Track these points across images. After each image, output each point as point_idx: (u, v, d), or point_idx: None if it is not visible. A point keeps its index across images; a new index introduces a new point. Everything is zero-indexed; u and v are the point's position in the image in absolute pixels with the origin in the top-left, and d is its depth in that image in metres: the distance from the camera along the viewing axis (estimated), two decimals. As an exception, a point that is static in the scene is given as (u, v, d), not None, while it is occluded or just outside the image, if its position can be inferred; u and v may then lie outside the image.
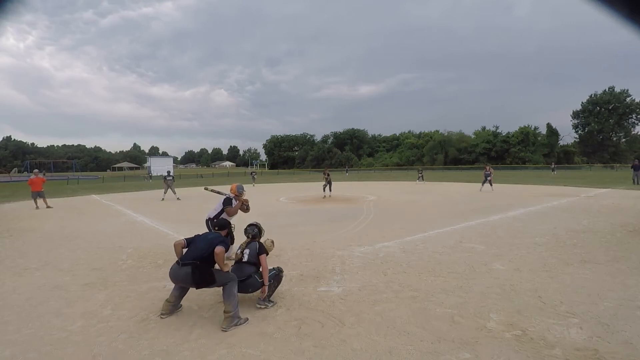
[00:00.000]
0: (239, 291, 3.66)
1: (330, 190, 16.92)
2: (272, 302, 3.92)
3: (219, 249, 3.51)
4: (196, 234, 3.97)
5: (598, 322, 3.30)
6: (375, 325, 3.36)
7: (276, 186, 25.92)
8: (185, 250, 3.73)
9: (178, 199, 16.41)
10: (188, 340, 3.16)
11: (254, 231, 4.14)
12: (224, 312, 3.41)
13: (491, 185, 18.19)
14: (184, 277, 3.54)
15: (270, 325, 3.41)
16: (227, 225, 4.20)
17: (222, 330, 3.30)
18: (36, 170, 15.04)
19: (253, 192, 18.79)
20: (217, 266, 3.59)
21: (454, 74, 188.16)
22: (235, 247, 4.91)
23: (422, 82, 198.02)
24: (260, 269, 3.88)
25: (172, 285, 3.88)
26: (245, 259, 3.92)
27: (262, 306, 3.81)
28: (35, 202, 13.75)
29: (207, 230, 5.09)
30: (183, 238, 3.83)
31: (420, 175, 26.58)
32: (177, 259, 3.67)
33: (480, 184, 18.84)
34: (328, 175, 17.20)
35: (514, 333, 3.13)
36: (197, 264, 3.49)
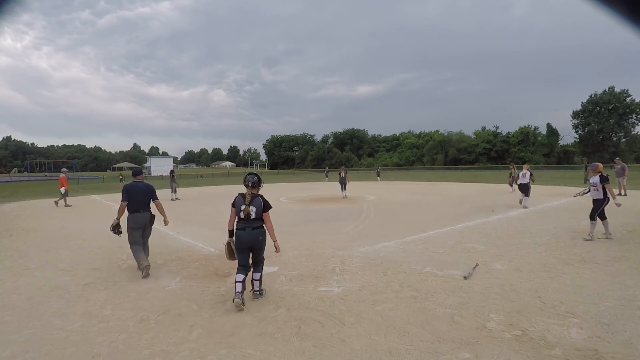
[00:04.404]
0: (255, 261, 4.05)
1: (344, 190, 16.35)
2: (264, 289, 4.19)
3: (159, 205, 5.26)
4: (125, 187, 5.11)
5: (598, 322, 3.30)
6: (375, 325, 3.36)
7: (276, 186, 25.91)
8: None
9: (172, 199, 16.08)
10: (188, 340, 3.16)
11: (254, 179, 4.03)
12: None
13: (511, 185, 16.60)
14: (145, 220, 5.12)
15: (270, 325, 3.41)
16: (141, 172, 5.55)
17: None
18: (65, 169, 15.33)
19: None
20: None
21: (452, 73, 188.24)
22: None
23: (420, 82, 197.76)
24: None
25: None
26: (253, 216, 3.92)
27: (258, 297, 4.05)
28: (65, 201, 14.08)
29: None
30: (122, 201, 5.03)
31: (377, 171, 33.34)
32: (129, 212, 5.01)
33: (510, 185, 16.85)
34: (344, 173, 16.51)
35: (514, 333, 3.13)
36: (151, 211, 5.19)
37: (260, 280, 4.09)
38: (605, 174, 6.76)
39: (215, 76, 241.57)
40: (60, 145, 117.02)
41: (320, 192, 19.89)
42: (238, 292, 3.74)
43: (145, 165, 70.17)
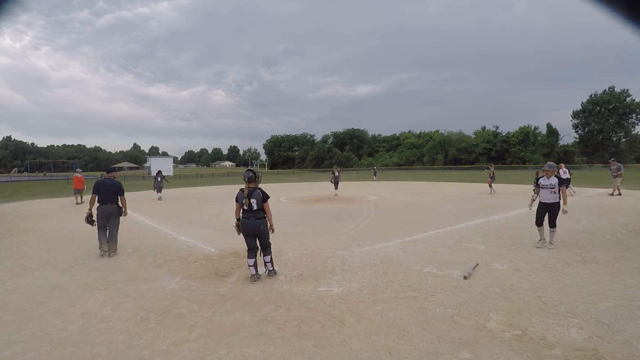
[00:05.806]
0: (263, 246, 4.75)
1: (336, 188, 17.48)
2: (275, 270, 4.85)
3: (123, 200, 6.25)
4: (97, 183, 6.15)
5: (598, 322, 3.30)
6: (375, 325, 3.36)
7: (276, 186, 25.90)
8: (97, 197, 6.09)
9: (159, 199, 16.31)
10: (188, 340, 3.16)
11: (249, 174, 4.59)
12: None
13: (490, 186, 16.84)
14: (111, 211, 6.08)
15: (270, 325, 3.41)
16: (114, 169, 6.63)
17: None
18: (79, 170, 16.18)
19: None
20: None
21: (452, 73, 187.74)
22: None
23: (420, 82, 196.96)
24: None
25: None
26: (255, 207, 4.55)
27: (273, 275, 4.76)
28: (78, 198, 14.91)
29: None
30: (92, 194, 6.10)
31: (374, 170, 36.52)
32: (99, 203, 6.08)
33: (489, 186, 17.12)
34: (337, 172, 17.82)
35: (514, 333, 3.13)
36: (118, 204, 6.18)
37: (271, 262, 4.81)
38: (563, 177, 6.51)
39: (214, 76, 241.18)
40: (60, 145, 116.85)
41: (320, 192, 19.88)
42: (253, 274, 4.66)
43: (146, 165, 70.12)
